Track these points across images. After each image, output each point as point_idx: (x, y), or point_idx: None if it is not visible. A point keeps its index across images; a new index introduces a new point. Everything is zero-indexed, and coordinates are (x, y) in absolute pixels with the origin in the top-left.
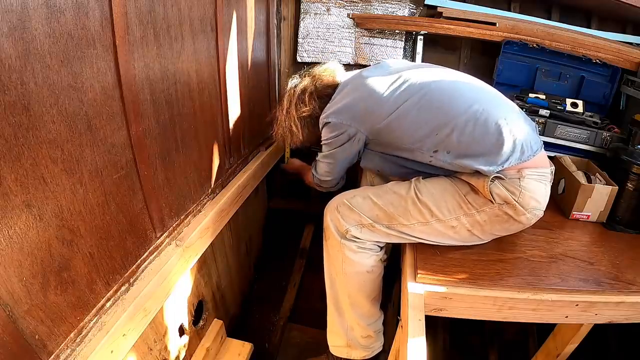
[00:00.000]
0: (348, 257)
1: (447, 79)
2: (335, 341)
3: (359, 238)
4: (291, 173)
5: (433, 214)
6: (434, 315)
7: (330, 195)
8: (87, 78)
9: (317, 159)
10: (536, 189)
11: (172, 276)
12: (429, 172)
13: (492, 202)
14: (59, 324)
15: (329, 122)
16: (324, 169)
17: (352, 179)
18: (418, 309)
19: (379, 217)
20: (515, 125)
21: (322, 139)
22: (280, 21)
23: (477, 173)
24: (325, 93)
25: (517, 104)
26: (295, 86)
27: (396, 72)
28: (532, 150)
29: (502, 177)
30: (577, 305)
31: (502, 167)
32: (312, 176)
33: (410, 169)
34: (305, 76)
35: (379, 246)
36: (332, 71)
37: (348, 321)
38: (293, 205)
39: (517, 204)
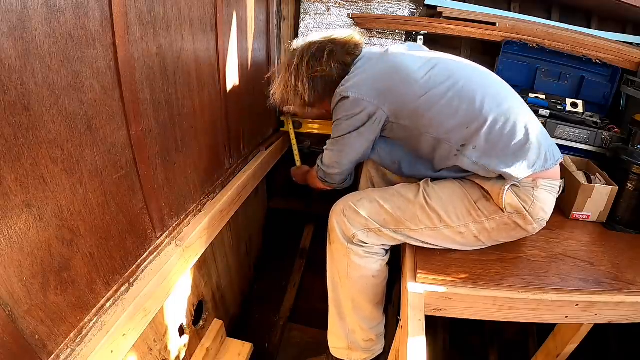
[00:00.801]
0: (354, 262)
1: (478, 72)
2: (335, 343)
3: (365, 242)
4: (299, 178)
5: (442, 220)
6: (434, 315)
7: (332, 196)
8: (87, 78)
9: (325, 147)
10: (546, 200)
11: (172, 276)
12: (440, 173)
13: (502, 210)
14: (59, 324)
15: (347, 97)
16: (332, 159)
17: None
18: (418, 309)
19: (387, 222)
20: (540, 131)
21: (334, 118)
22: (280, 21)
23: (493, 178)
24: (345, 60)
25: None
26: (312, 43)
27: (426, 54)
28: (554, 159)
29: (517, 184)
30: (577, 305)
31: (528, 173)
32: (317, 168)
33: (422, 167)
34: (323, 37)
35: (384, 250)
36: (357, 40)
37: (350, 324)
38: (293, 205)
39: (527, 213)
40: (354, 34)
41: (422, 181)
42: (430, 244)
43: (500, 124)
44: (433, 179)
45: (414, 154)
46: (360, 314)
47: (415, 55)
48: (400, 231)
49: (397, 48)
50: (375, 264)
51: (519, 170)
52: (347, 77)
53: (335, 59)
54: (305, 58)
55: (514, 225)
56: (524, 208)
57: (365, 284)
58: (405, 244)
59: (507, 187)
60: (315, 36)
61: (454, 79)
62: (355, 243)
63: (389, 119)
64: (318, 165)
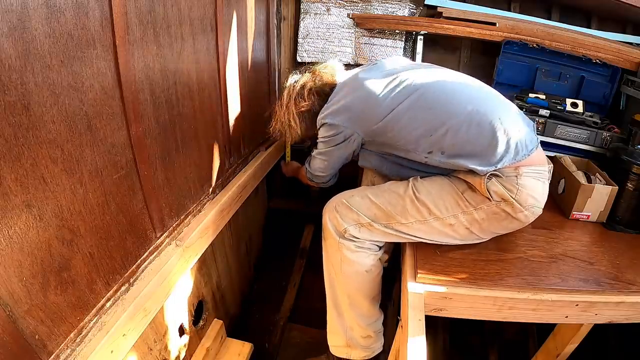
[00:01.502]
0: (346, 256)
1: (443, 80)
2: (335, 341)
3: (357, 237)
4: (288, 171)
5: (431, 212)
6: (434, 315)
7: (330, 194)
8: (87, 78)
9: (312, 154)
10: (534, 187)
11: (172, 276)
12: (427, 171)
13: (489, 199)
14: (59, 324)
15: (326, 123)
16: (317, 165)
17: (352, 178)
18: (418, 309)
19: (377, 216)
20: (510, 125)
21: (318, 137)
22: (280, 21)
23: (473, 171)
24: (324, 91)
25: (517, 104)
26: (296, 82)
27: (393, 73)
28: (527, 150)
29: (500, 174)
30: (577, 305)
31: (496, 167)
32: (305, 170)
33: (407, 168)
34: (305, 72)
35: (377, 246)
36: (332, 69)
37: (347, 321)
38: (293, 205)
39: (514, 201)
40: (335, 67)
41: (412, 178)
42: (423, 239)
43: (465, 127)
44: (422, 176)
45: (397, 161)
46: (357, 310)
47: (381, 79)
48: (391, 226)
49: (367, 72)
50: (367, 259)
51: (484, 166)
52: (325, 105)
53: (313, 92)
54: (292, 96)
55: (504, 214)
56: (510, 196)
57: (359, 279)
58: (405, 243)
59: (485, 179)
60: (299, 75)
61: (420, 92)
62: (346, 238)
63: (365, 138)
64: (306, 168)
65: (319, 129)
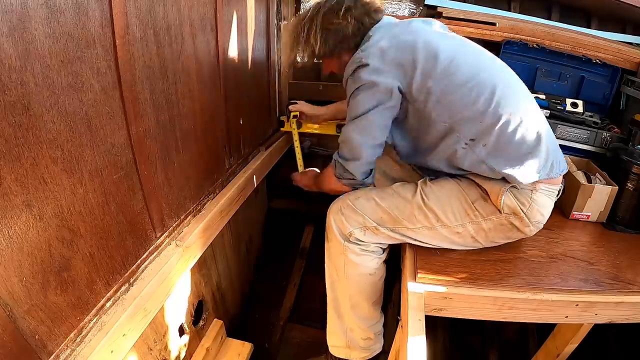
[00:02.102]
0: (351, 259)
1: (498, 65)
2: (334, 341)
3: (362, 241)
4: (307, 183)
5: (439, 220)
6: (434, 315)
7: (332, 196)
8: (87, 78)
9: (342, 134)
10: (545, 204)
11: (172, 276)
12: (439, 169)
13: (499, 211)
14: (59, 324)
15: (366, 65)
16: (352, 143)
17: None
18: (418, 309)
19: (384, 220)
20: (551, 139)
21: (351, 89)
22: (280, 21)
23: (494, 179)
24: (363, 21)
25: None
26: None
27: (452, 35)
28: (559, 170)
29: (516, 186)
30: (577, 305)
31: (532, 179)
32: (334, 165)
33: (420, 157)
34: None
35: (381, 248)
36: (378, 5)
37: (348, 323)
38: (293, 205)
39: (524, 215)
40: (381, 4)
41: (420, 181)
42: (428, 244)
43: (514, 124)
44: (430, 177)
45: (416, 142)
46: (358, 312)
47: (442, 34)
48: (398, 230)
49: (423, 23)
50: (372, 262)
51: (524, 175)
52: (367, 42)
53: (353, 15)
54: (322, 9)
55: (510, 226)
56: (521, 210)
57: (362, 282)
58: (405, 243)
59: (507, 189)
60: None
61: (477, 69)
62: (352, 241)
63: (406, 96)
64: (335, 160)
65: (352, 73)
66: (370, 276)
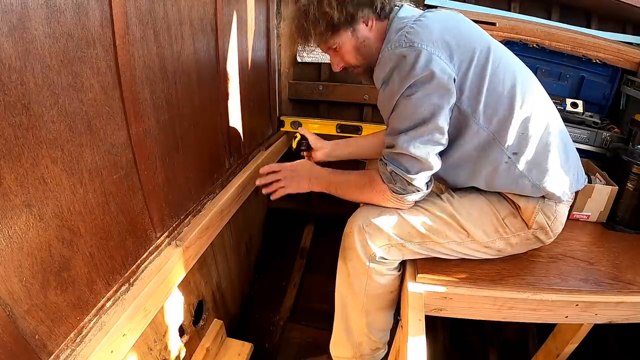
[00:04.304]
0: (376, 280)
1: (526, 68)
2: (340, 353)
3: (386, 259)
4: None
5: (470, 236)
6: (434, 315)
7: (332, 196)
8: (87, 78)
9: (398, 144)
10: (564, 213)
11: (172, 276)
12: (469, 184)
13: (527, 226)
14: (59, 324)
15: (421, 50)
16: (421, 156)
17: None
18: (418, 309)
19: (411, 235)
20: (574, 150)
21: (401, 88)
22: (280, 21)
23: (530, 195)
24: (383, 5)
25: None
26: None
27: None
28: (583, 180)
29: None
30: (577, 305)
31: (570, 192)
32: (389, 179)
33: (451, 173)
34: None
35: (400, 264)
36: None
37: (358, 338)
38: (293, 205)
39: (549, 229)
40: None
41: (444, 194)
42: (450, 255)
43: (551, 135)
44: (454, 190)
45: (448, 153)
46: (373, 327)
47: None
48: (425, 245)
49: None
50: (395, 280)
51: (563, 189)
52: (398, 24)
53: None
54: None
55: (535, 239)
56: (547, 224)
57: (382, 299)
58: None
59: (540, 205)
60: None
61: (513, 67)
62: (376, 261)
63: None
64: (395, 174)
65: (395, 64)
66: (390, 293)
